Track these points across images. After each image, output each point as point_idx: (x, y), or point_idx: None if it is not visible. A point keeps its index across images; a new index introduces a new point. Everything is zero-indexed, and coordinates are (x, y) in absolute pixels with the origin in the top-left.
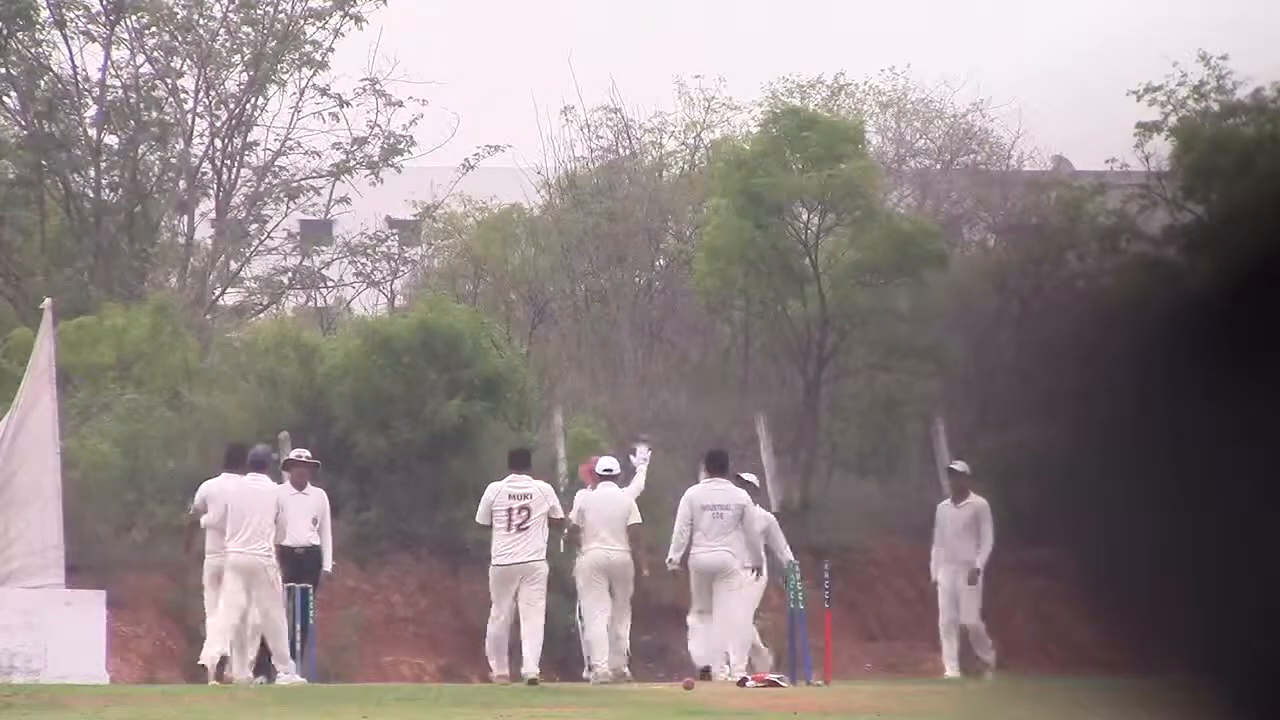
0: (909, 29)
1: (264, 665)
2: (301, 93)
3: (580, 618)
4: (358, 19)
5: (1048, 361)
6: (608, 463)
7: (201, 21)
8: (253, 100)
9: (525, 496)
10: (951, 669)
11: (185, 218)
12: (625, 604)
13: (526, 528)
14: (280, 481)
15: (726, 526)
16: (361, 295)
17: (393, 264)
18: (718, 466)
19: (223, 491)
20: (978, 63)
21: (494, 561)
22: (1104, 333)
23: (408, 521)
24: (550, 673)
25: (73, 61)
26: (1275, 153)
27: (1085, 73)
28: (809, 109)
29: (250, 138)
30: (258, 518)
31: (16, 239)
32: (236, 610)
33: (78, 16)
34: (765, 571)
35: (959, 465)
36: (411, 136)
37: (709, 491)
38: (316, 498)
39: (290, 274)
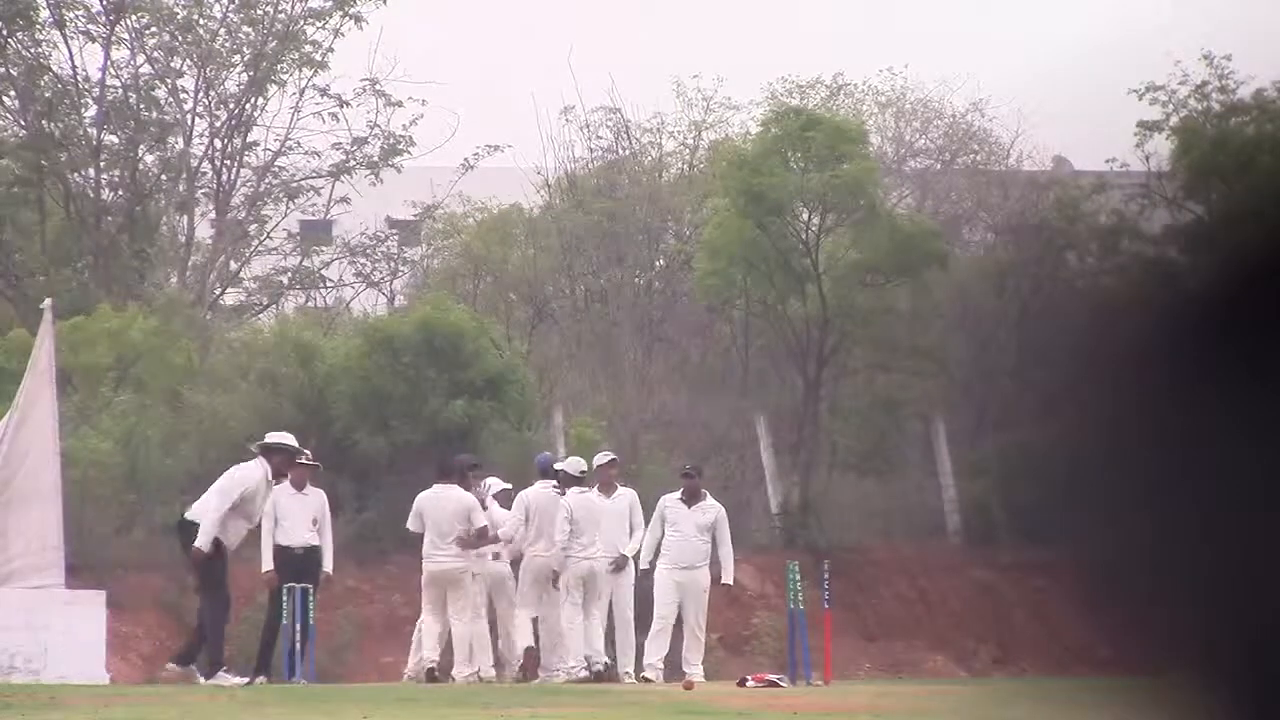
0: (908, 29)
1: (264, 665)
2: (301, 93)
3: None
4: (358, 19)
5: (1047, 361)
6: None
7: (201, 21)
8: (253, 100)
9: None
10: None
11: (185, 218)
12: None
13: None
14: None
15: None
16: (361, 295)
17: (392, 264)
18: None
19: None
20: (977, 63)
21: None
22: (1104, 333)
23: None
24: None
25: (73, 61)
26: (1276, 153)
27: (1085, 72)
28: (810, 109)
29: (250, 138)
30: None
31: (16, 239)
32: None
33: (78, 16)
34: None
35: (562, 462)
36: (411, 136)
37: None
38: (316, 498)
39: (290, 274)
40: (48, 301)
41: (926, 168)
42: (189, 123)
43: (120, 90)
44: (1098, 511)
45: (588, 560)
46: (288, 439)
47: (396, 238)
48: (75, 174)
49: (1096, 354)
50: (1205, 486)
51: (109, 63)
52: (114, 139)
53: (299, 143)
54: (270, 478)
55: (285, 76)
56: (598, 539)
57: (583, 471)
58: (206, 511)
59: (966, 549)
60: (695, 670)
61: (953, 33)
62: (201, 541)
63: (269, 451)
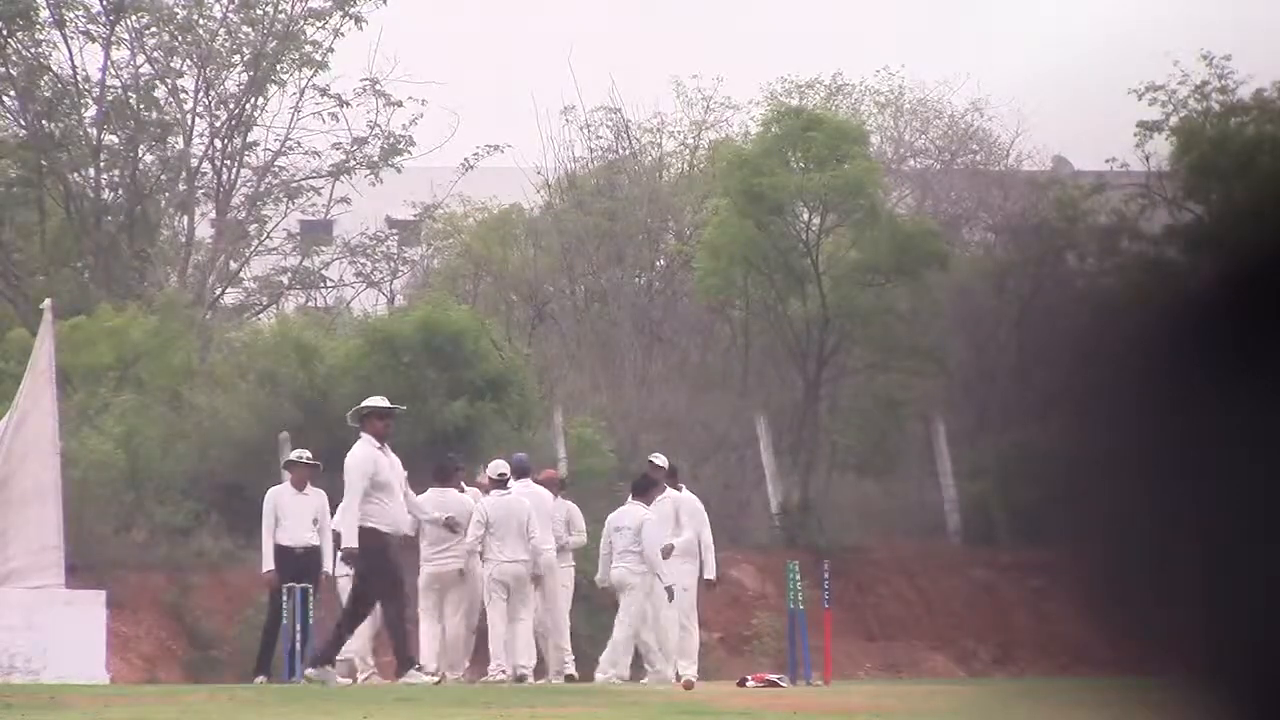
0: (908, 29)
1: (264, 665)
2: (301, 93)
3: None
4: (358, 19)
5: (1047, 361)
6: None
7: (201, 21)
8: (253, 100)
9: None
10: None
11: (185, 217)
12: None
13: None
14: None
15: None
16: (361, 295)
17: (392, 264)
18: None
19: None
20: (977, 63)
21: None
22: (1104, 333)
23: None
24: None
25: (72, 61)
26: (1276, 153)
27: (1085, 72)
28: (810, 109)
29: (250, 138)
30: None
31: (16, 239)
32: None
33: (78, 16)
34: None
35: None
36: (411, 136)
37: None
38: (317, 498)
39: (290, 274)
40: (48, 301)
41: (926, 168)
42: (189, 123)
43: (120, 90)
44: (1098, 511)
45: (510, 564)
46: (379, 400)
47: (396, 238)
48: (75, 174)
49: (1096, 354)
50: (1205, 487)
51: (109, 63)
52: (114, 139)
53: (299, 143)
54: (379, 445)
55: (285, 76)
56: (520, 542)
57: (501, 474)
58: (344, 512)
59: (966, 549)
60: (690, 669)
61: (953, 33)
62: (347, 542)
63: (364, 419)
